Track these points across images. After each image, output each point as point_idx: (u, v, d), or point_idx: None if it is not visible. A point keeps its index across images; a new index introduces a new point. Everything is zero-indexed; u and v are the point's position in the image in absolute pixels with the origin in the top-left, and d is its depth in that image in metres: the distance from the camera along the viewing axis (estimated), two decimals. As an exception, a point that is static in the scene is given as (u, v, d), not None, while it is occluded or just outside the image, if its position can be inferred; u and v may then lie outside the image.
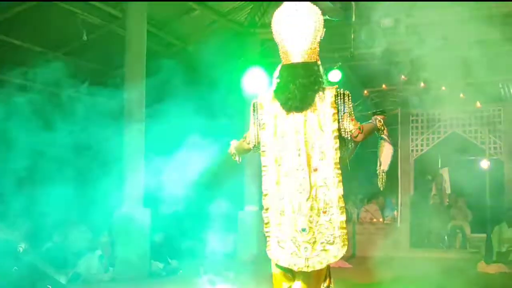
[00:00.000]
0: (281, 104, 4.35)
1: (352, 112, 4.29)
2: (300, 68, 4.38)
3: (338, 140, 4.22)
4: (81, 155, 9.22)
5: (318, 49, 4.42)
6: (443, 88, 12.11)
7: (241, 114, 9.76)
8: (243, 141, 4.63)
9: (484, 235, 10.85)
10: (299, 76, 4.35)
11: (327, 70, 10.75)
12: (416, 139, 13.22)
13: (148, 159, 8.89)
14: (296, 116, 4.30)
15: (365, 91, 12.96)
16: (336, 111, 4.24)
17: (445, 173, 15.46)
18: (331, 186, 4.23)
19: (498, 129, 12.52)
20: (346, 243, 4.21)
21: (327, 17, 9.50)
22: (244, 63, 10.66)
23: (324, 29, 4.42)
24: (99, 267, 8.65)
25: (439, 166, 15.66)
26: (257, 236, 10.57)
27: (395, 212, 13.28)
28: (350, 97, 4.31)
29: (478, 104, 12.22)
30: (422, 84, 12.05)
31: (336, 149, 4.20)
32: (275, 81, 4.51)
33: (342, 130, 4.26)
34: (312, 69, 4.39)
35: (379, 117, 4.62)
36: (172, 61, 9.38)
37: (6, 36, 9.32)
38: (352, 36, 10.06)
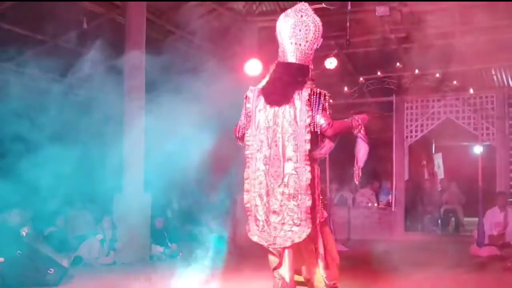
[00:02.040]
0: (264, 98, 4.80)
1: (327, 109, 4.69)
2: (292, 68, 4.82)
3: (309, 134, 4.64)
4: (82, 140, 9.19)
5: (312, 56, 4.88)
6: (437, 75, 12.09)
7: (238, 102, 9.72)
8: (235, 129, 5.02)
9: (477, 219, 10.86)
10: (288, 74, 4.80)
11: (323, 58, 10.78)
12: (411, 125, 13.22)
13: (147, 145, 8.87)
14: (276, 110, 4.74)
15: (361, 78, 12.93)
16: (310, 108, 4.65)
17: (438, 158, 15.50)
18: (301, 175, 4.64)
19: (491, 115, 12.52)
20: (311, 225, 4.62)
21: (323, 5, 9.49)
22: (242, 51, 10.61)
23: (321, 40, 4.86)
24: (100, 251, 8.67)
25: (433, 152, 15.69)
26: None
27: (390, 197, 13.32)
28: (326, 96, 4.71)
29: (471, 90, 12.21)
30: (416, 71, 12.04)
31: (307, 142, 4.63)
32: (267, 76, 4.94)
33: (313, 124, 4.65)
34: (303, 70, 4.83)
35: (357, 117, 4.92)
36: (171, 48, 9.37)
37: (7, 24, 9.25)
38: (348, 24, 10.01)
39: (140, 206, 8.80)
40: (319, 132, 4.70)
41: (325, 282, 5.02)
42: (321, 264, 4.91)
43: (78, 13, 9.37)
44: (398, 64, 12.10)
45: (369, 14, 9.92)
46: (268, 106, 4.78)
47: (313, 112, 4.65)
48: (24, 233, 7.71)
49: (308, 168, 4.63)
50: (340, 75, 12.03)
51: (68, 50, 9.94)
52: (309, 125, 4.65)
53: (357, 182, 5.31)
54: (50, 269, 6.85)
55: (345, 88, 12.78)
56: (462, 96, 12.60)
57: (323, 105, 4.67)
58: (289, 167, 4.67)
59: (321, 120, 4.65)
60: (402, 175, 13.24)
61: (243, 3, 11.02)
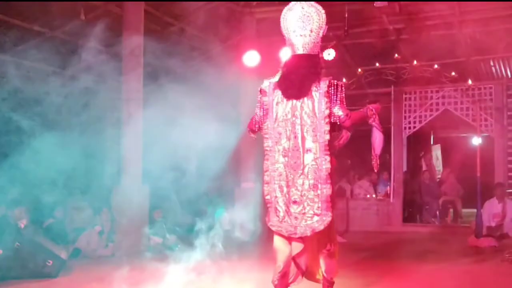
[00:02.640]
0: (281, 92, 4.87)
1: (344, 101, 4.78)
2: (304, 59, 4.90)
3: (329, 125, 4.73)
4: (80, 132, 9.18)
5: (319, 44, 4.95)
6: (436, 66, 12.08)
7: (236, 93, 9.72)
8: (251, 121, 5.11)
9: (475, 210, 10.87)
10: (301, 67, 4.87)
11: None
12: (409, 117, 13.21)
13: (145, 137, 8.84)
14: (294, 102, 4.82)
15: (359, 70, 12.89)
16: (328, 100, 4.75)
17: (437, 149, 15.51)
18: (320, 165, 4.75)
19: (489, 106, 12.51)
20: (331, 215, 4.74)
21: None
22: (240, 42, 10.57)
23: (326, 26, 4.94)
24: (99, 242, 8.68)
25: (432, 143, 15.69)
26: (253, 212, 10.59)
27: (388, 188, 13.31)
28: (343, 88, 4.83)
29: (470, 81, 12.19)
30: (414, 63, 12.02)
31: (326, 133, 4.73)
32: (281, 69, 5.00)
33: (332, 115, 4.76)
34: (314, 60, 4.93)
35: (371, 106, 5.05)
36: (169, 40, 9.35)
37: (5, 16, 9.21)
38: (346, 15, 9.98)
39: (139, 198, 8.80)
40: (338, 123, 4.81)
41: (323, 275, 5.09)
42: (322, 257, 5.05)
43: (76, 5, 9.33)
44: (396, 55, 12.08)
45: (367, 5, 9.89)
46: (285, 100, 4.86)
47: (332, 103, 4.76)
48: (22, 225, 7.72)
49: (328, 158, 4.74)
50: (338, 66, 12.00)
51: (66, 42, 9.90)
52: (328, 116, 4.75)
53: (376, 169, 5.40)
54: (49, 261, 6.86)
55: (344, 79, 12.74)
56: (460, 87, 12.58)
57: (340, 97, 4.78)
58: (308, 158, 4.78)
59: (339, 112, 4.76)
60: (400, 167, 13.23)
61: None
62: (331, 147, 4.83)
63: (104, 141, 9.21)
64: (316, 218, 4.74)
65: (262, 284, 5.83)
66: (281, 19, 4.98)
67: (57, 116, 8.48)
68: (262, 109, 4.97)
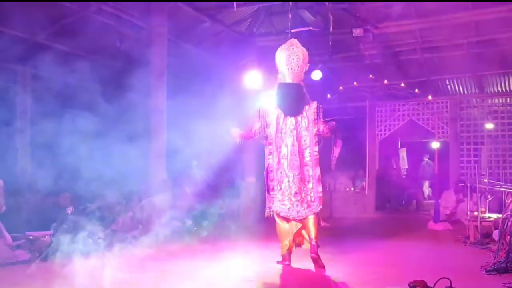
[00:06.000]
0: (282, 111, 5.46)
1: (323, 118, 5.48)
2: (293, 87, 5.47)
3: (317, 137, 5.42)
4: (116, 137, 9.21)
5: (303, 77, 5.55)
6: (402, 84, 12.13)
7: (240, 104, 9.75)
8: (249, 130, 5.64)
9: (433, 200, 10.90)
10: (293, 93, 5.46)
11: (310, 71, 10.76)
12: (381, 125, 13.25)
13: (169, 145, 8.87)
14: (291, 120, 5.42)
15: (341, 87, 12.94)
16: (316, 117, 5.42)
17: (403, 152, 15.54)
18: (312, 166, 5.37)
19: (445, 117, 12.56)
20: (321, 203, 5.40)
21: (310, 28, 9.55)
22: (244, 65, 10.61)
23: (308, 64, 5.57)
24: (131, 225, 8.70)
25: (399, 147, 15.72)
26: (255, 202, 10.65)
27: (364, 183, 13.35)
28: (322, 108, 5.51)
29: (430, 97, 12.25)
30: (385, 81, 12.07)
31: (315, 143, 5.40)
32: (276, 94, 5.54)
33: (318, 130, 5.44)
34: (301, 88, 5.51)
35: (332, 123, 5.65)
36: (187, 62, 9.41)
37: (54, 43, 9.29)
38: (330, 43, 10.05)
39: (162, 190, 8.83)
40: (321, 135, 5.46)
41: (311, 242, 5.44)
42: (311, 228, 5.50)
43: (113, 35, 9.41)
44: (370, 75, 12.13)
45: (347, 35, 9.96)
46: (284, 117, 5.42)
47: (318, 121, 5.40)
48: (69, 212, 7.78)
49: (317, 160, 5.37)
50: (324, 84, 12.03)
51: (104, 64, 9.94)
52: (318, 130, 5.40)
53: (333, 168, 5.88)
54: (90, 239, 6.90)
55: (328, 95, 12.79)
56: (422, 101, 12.62)
57: (322, 115, 5.44)
58: (303, 160, 5.34)
59: (321, 127, 5.42)
60: (374, 165, 13.28)
61: (245, 26, 11.05)
62: (318, 154, 5.42)
63: (135, 145, 9.19)
64: (311, 204, 5.31)
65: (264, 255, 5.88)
66: (276, 55, 5.50)
67: (98, 122, 8.49)
68: (264, 122, 5.47)
